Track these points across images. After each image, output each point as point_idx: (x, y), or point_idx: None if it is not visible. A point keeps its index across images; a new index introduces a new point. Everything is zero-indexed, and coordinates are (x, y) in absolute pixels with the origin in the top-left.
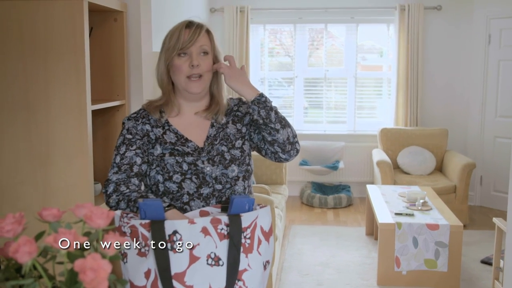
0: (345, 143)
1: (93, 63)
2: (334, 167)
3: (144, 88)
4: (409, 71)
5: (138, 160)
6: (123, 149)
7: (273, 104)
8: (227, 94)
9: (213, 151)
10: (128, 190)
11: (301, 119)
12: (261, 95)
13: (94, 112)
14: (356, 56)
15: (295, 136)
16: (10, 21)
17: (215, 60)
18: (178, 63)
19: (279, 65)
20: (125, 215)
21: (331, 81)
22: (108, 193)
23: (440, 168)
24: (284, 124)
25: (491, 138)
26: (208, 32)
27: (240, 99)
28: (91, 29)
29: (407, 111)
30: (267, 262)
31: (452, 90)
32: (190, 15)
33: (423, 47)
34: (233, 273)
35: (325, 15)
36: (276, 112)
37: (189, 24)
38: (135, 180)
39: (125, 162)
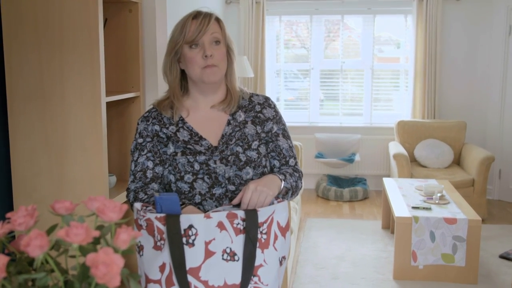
0: (361, 135)
1: (107, 55)
2: (350, 160)
3: (159, 80)
4: (426, 63)
5: (150, 164)
6: (136, 155)
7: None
8: (240, 84)
9: (227, 151)
10: (146, 196)
11: (317, 111)
12: (283, 195)
13: (109, 104)
14: (373, 47)
15: (299, 190)
16: (25, 11)
17: (228, 49)
18: (190, 55)
19: (295, 57)
20: (144, 208)
21: (348, 73)
22: (130, 202)
23: (458, 162)
24: (293, 194)
25: (510, 131)
26: (217, 20)
27: (266, 99)
28: (105, 20)
29: (424, 103)
30: (283, 257)
31: (471, 82)
32: (206, 7)
33: (441, 38)
34: (248, 269)
35: (341, 6)
36: (292, 190)
37: (196, 15)
38: (153, 185)
39: (138, 169)
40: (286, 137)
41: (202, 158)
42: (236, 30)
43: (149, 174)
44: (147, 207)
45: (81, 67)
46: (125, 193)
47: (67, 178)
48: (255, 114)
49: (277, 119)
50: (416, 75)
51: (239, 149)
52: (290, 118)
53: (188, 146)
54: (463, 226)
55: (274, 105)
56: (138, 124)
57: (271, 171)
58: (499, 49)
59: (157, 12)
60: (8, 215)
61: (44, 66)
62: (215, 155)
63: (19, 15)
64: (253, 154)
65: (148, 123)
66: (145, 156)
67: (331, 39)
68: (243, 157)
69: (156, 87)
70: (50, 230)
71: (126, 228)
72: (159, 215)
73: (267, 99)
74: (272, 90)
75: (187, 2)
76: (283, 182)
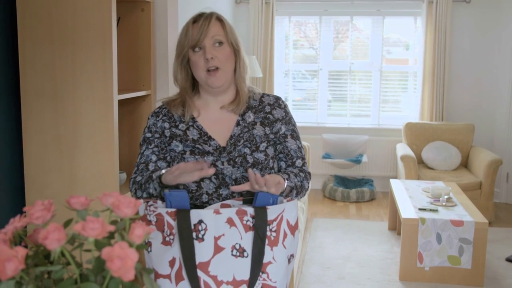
0: (369, 136)
1: (120, 53)
2: (357, 161)
3: (170, 79)
4: (435, 65)
5: (154, 158)
6: (143, 148)
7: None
8: (250, 84)
9: (234, 152)
10: (141, 178)
11: (325, 112)
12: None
13: (120, 102)
14: (381, 49)
15: (306, 190)
16: (39, 10)
17: (234, 49)
18: (194, 59)
19: (303, 57)
20: (146, 202)
21: (356, 74)
22: (130, 189)
23: (465, 164)
24: (298, 194)
25: None
26: (219, 19)
27: (277, 99)
28: (118, 19)
29: (432, 105)
30: (292, 255)
31: (479, 84)
32: (216, 6)
33: (450, 41)
34: (257, 265)
35: (351, 7)
36: (296, 189)
37: (197, 18)
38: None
39: (142, 161)
40: (295, 137)
41: (210, 159)
42: (246, 30)
43: (151, 166)
44: (148, 201)
45: (93, 65)
46: None
47: (78, 175)
48: (264, 115)
49: (287, 120)
50: (424, 77)
51: (247, 150)
52: (297, 118)
53: (197, 145)
54: (470, 229)
55: (285, 106)
56: (148, 118)
57: (279, 172)
58: (508, 52)
59: (169, 11)
60: (25, 209)
61: (57, 64)
62: (223, 156)
63: (34, 13)
64: (261, 156)
65: (158, 118)
66: (151, 149)
67: (340, 40)
68: (250, 159)
69: (167, 86)
70: (66, 225)
71: (140, 223)
72: (169, 209)
73: (277, 99)
74: (280, 90)
75: (198, 1)
76: (286, 181)
